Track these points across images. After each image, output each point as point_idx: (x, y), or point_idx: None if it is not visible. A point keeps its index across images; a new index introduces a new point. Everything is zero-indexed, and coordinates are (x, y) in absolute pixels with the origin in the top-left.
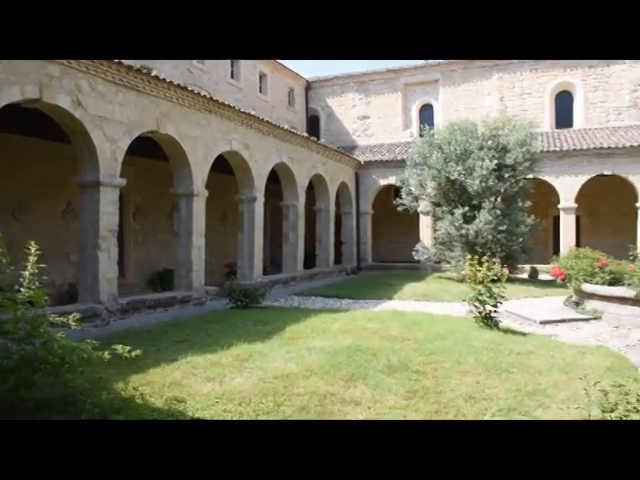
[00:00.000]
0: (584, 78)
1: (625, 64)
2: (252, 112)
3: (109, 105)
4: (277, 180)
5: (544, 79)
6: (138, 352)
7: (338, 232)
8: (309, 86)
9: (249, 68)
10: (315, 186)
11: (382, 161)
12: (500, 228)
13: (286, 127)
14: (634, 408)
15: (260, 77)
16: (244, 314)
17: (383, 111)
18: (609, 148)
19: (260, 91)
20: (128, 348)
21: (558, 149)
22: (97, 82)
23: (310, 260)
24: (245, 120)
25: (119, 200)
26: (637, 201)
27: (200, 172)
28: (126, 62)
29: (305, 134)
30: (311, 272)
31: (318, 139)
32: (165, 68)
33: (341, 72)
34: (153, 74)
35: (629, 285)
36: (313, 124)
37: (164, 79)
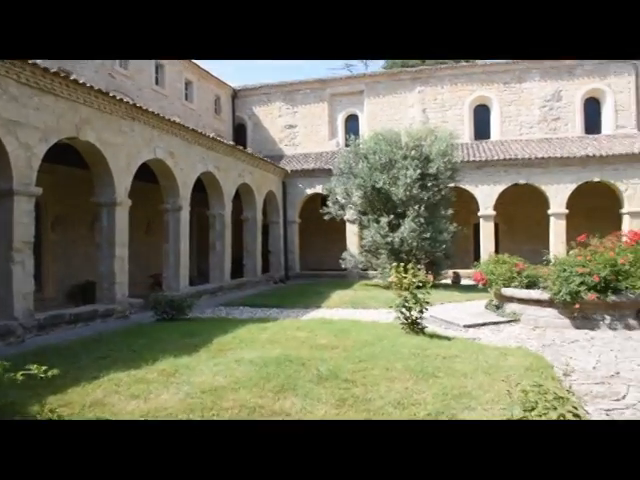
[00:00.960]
0: (499, 93)
1: (535, 81)
2: (177, 120)
3: (23, 109)
4: (203, 189)
5: (463, 93)
6: (55, 371)
7: (266, 241)
8: (236, 94)
9: (174, 75)
10: (242, 195)
11: (309, 170)
12: (424, 235)
13: (212, 135)
14: (552, 406)
15: (186, 84)
16: (170, 327)
17: (310, 121)
18: (523, 159)
19: (186, 98)
20: (44, 368)
21: (477, 159)
22: (9, 84)
23: (238, 270)
24: (170, 128)
25: (36, 210)
26: (549, 209)
27: (123, 181)
28: (42, 64)
29: (232, 143)
30: (239, 282)
31: (245, 148)
32: (86, 72)
33: (268, 81)
34: (72, 78)
35: (544, 288)
36: (240, 133)
37: (84, 83)
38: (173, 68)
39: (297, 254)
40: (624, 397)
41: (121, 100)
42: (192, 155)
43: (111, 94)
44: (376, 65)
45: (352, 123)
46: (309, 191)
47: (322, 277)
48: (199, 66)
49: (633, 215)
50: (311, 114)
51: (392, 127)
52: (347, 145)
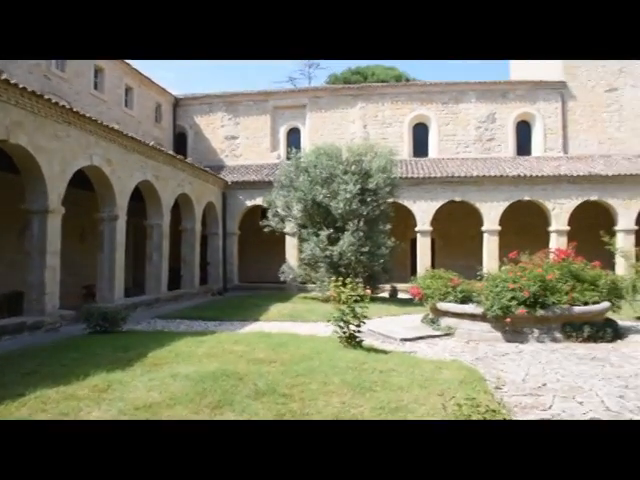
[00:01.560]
0: (438, 113)
1: (471, 103)
2: (116, 126)
3: None
4: (141, 198)
5: (403, 111)
6: None
7: (204, 253)
8: (177, 103)
9: (114, 80)
10: (181, 205)
11: (249, 182)
12: (363, 249)
13: (152, 144)
14: (484, 418)
15: (126, 90)
16: (103, 340)
17: (252, 132)
18: (459, 177)
19: (126, 105)
20: None
21: (415, 176)
22: None
23: (175, 281)
24: (108, 134)
25: None
26: (482, 226)
27: (56, 187)
28: None
29: (171, 152)
30: (176, 293)
31: (185, 157)
32: (19, 72)
33: (210, 91)
34: (3, 77)
35: (477, 303)
36: (181, 142)
37: (16, 84)
38: (113, 73)
39: (236, 266)
40: (550, 407)
41: (56, 103)
42: (130, 163)
43: (46, 96)
44: (319, 80)
45: (294, 136)
46: (249, 203)
47: (261, 289)
48: (140, 72)
49: (559, 233)
50: (253, 126)
51: (333, 142)
52: (289, 158)
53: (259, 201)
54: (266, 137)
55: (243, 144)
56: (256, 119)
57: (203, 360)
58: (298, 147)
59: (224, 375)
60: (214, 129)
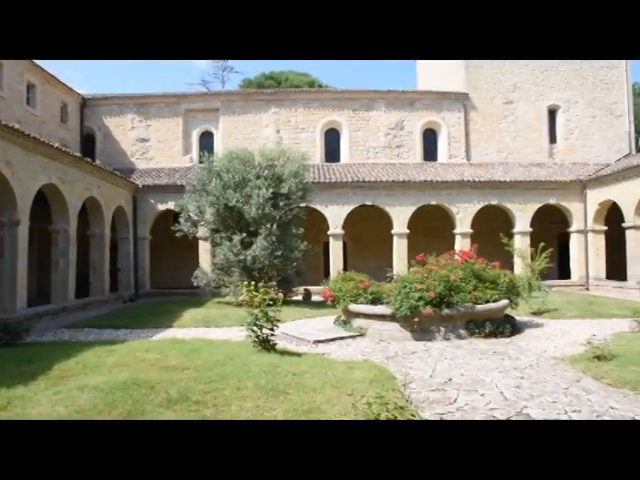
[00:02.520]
0: (349, 119)
1: (381, 110)
2: (17, 125)
3: None
4: (46, 202)
5: (316, 117)
6: None
7: (115, 258)
8: (85, 103)
9: (15, 76)
10: (89, 209)
11: (161, 186)
12: (276, 253)
13: (57, 145)
14: (393, 415)
15: (28, 87)
16: (4, 353)
17: (163, 135)
18: (370, 182)
19: (28, 103)
20: None
21: (327, 181)
22: None
23: (84, 289)
24: (7, 134)
25: None
26: (392, 229)
27: None
28: None
29: (78, 154)
30: (84, 301)
31: (94, 160)
32: None
33: (120, 91)
34: None
35: (387, 304)
36: (89, 144)
37: None
38: (14, 68)
39: (148, 271)
40: (455, 401)
41: None
42: (33, 165)
43: None
44: (233, 84)
45: (207, 140)
46: (161, 207)
47: (174, 295)
48: (44, 69)
49: (463, 235)
50: (165, 128)
51: (247, 146)
52: (201, 162)
53: (171, 205)
54: (178, 140)
55: (155, 147)
56: (168, 122)
57: (113, 370)
58: (211, 151)
59: (135, 384)
60: (124, 131)
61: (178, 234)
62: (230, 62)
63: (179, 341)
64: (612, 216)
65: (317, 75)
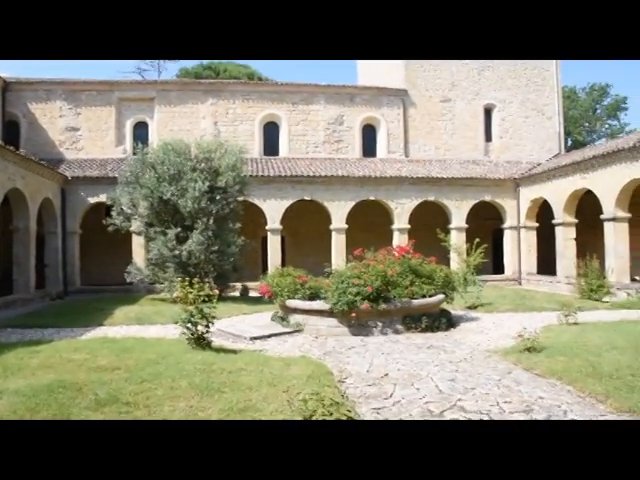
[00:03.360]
0: (288, 113)
1: (321, 105)
2: None
3: None
4: None
5: (254, 109)
6: None
7: (41, 254)
8: (7, 87)
9: None
10: (12, 202)
11: (92, 177)
12: (212, 249)
13: None
14: (329, 412)
15: None
16: None
17: (95, 124)
18: (308, 177)
19: None
20: None
21: (266, 175)
22: None
23: (6, 286)
24: None
25: None
26: (331, 224)
27: None
28: None
29: (0, 142)
30: (7, 300)
31: (17, 149)
32: None
33: (48, 76)
34: None
35: (325, 299)
36: (12, 131)
37: None
38: None
39: (78, 267)
40: (391, 395)
41: None
42: None
43: None
44: (170, 73)
45: (141, 130)
46: (92, 200)
47: (106, 292)
48: None
49: (401, 231)
50: (97, 117)
51: (183, 138)
52: (135, 153)
53: (103, 198)
54: (111, 130)
55: (85, 136)
56: (100, 110)
57: (37, 372)
58: (146, 142)
59: (61, 387)
60: (52, 119)
61: (110, 228)
62: None
63: (110, 340)
64: (543, 213)
65: (257, 67)
